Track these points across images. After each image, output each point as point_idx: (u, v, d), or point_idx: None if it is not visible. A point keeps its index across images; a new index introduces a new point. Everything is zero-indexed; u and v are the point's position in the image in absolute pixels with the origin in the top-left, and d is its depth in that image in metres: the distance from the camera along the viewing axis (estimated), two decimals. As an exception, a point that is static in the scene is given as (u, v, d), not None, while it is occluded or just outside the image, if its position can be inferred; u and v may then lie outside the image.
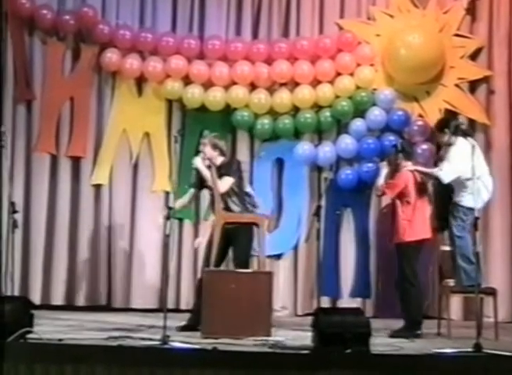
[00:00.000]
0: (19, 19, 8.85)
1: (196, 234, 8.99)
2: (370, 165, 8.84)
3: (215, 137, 7.27)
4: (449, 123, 7.46)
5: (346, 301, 8.78)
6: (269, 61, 8.95)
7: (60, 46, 9.05)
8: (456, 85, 8.99)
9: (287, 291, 8.94)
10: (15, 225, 6.64)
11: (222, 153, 7.23)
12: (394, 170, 7.21)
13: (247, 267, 6.99)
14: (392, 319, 7.61)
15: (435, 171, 7.21)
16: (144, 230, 8.95)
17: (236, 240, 7.07)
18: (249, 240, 7.11)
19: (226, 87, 8.93)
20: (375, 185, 7.99)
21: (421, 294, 7.02)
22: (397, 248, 7.02)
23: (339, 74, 8.93)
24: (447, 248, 7.33)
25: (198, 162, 7.10)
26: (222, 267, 7.22)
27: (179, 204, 7.32)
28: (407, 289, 6.90)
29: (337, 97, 8.90)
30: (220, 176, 7.05)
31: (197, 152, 7.10)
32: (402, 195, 7.02)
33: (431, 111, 8.94)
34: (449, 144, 7.22)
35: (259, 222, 6.97)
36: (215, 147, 7.16)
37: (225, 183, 7.03)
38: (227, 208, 7.06)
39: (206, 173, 7.06)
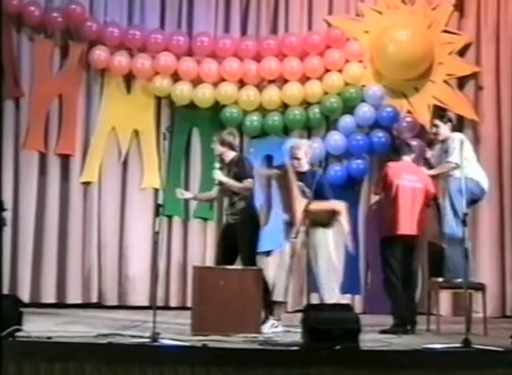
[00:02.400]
0: (7, 16, 8.82)
1: (185, 232, 9.00)
2: (359, 161, 8.87)
3: (222, 133, 7.14)
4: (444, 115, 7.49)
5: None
6: (258, 58, 8.96)
7: (48, 43, 9.04)
8: (445, 81, 9.02)
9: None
10: (3, 223, 6.60)
11: (232, 148, 7.02)
12: None
13: (253, 264, 6.81)
14: (381, 315, 7.63)
15: (443, 167, 7.09)
16: (134, 228, 8.95)
17: (238, 236, 6.88)
18: (253, 235, 6.92)
19: (215, 84, 8.93)
20: None
21: (410, 292, 6.91)
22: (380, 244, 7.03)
23: (327, 71, 8.95)
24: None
25: (218, 175, 6.88)
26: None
27: (205, 196, 7.45)
28: (389, 285, 6.87)
29: (326, 93, 8.91)
30: (233, 175, 6.87)
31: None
32: (384, 188, 6.99)
33: (419, 107, 8.97)
34: (445, 139, 7.17)
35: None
36: (222, 143, 6.98)
37: (247, 185, 6.88)
38: (232, 204, 6.93)
39: (231, 183, 6.86)
